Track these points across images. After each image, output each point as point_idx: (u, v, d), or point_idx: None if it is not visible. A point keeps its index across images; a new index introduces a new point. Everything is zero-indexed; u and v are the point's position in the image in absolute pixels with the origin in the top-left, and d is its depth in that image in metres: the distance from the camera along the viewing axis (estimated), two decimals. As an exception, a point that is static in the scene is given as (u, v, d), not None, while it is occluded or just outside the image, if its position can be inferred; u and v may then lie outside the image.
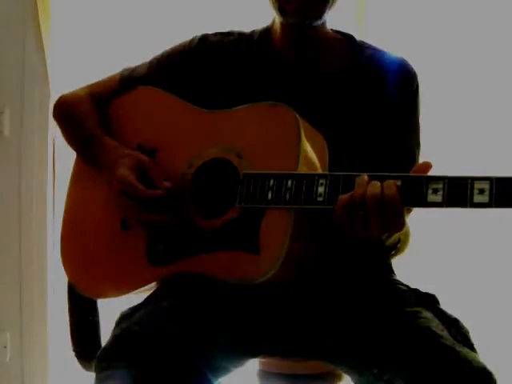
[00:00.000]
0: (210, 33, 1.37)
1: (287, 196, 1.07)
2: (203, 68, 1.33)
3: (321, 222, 1.14)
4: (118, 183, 1.20)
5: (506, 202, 0.93)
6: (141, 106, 1.37)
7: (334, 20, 1.32)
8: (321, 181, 1.06)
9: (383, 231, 1.02)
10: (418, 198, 0.98)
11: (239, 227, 1.11)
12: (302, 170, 1.09)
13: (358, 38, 1.37)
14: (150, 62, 1.39)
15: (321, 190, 1.05)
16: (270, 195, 1.09)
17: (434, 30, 2.20)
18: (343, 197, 1.01)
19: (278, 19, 1.28)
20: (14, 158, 2.28)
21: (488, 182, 0.94)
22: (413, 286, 1.23)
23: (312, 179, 1.06)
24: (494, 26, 2.17)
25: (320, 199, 1.05)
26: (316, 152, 1.14)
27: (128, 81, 1.39)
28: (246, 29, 1.38)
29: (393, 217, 0.99)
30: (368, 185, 1.00)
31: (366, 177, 1.01)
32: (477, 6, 2.19)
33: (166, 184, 1.19)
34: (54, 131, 2.22)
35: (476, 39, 2.18)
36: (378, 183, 1.00)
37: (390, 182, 0.99)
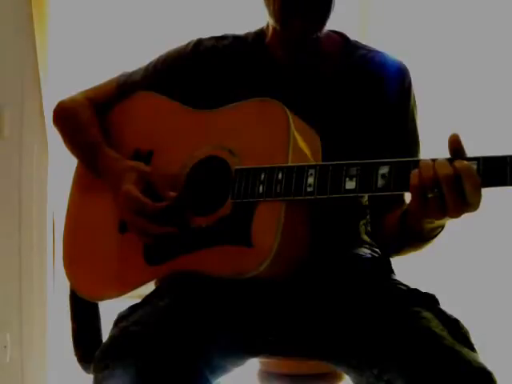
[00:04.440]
0: (204, 37, 1.37)
1: (278, 188, 1.09)
2: (198, 72, 1.34)
3: (320, 219, 1.15)
4: (124, 200, 1.20)
5: (493, 182, 0.94)
6: (138, 110, 1.38)
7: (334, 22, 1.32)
8: (310, 171, 1.07)
9: (461, 211, 0.98)
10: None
11: (232, 222, 1.12)
12: (293, 162, 1.10)
13: (358, 38, 1.37)
14: (146, 68, 1.40)
15: (310, 180, 1.07)
16: (261, 188, 1.10)
17: (436, 32, 2.21)
18: (413, 182, 0.98)
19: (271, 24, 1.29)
20: (14, 158, 2.28)
21: (475, 162, 0.95)
22: (413, 286, 1.23)
23: (301, 170, 1.08)
24: (496, 29, 2.18)
25: (310, 190, 1.06)
26: (309, 146, 1.14)
27: (125, 86, 1.40)
28: (243, 30, 1.39)
29: (472, 192, 0.95)
30: (436, 165, 0.97)
31: (429, 160, 0.99)
32: (479, 7, 2.19)
33: (172, 194, 1.19)
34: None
35: (476, 40, 2.19)
36: (446, 161, 0.97)
37: (460, 161, 0.96)
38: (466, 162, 0.95)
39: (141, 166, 1.25)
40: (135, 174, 1.22)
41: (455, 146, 0.98)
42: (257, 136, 1.16)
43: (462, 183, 0.95)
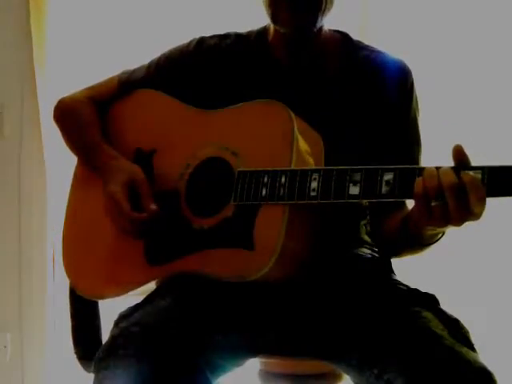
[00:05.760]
0: (206, 35, 1.37)
1: (281, 192, 1.08)
2: (201, 71, 1.34)
3: (321, 220, 1.15)
4: (108, 199, 1.21)
5: (497, 192, 0.94)
6: (139, 108, 1.38)
7: (335, 21, 1.32)
8: (314, 176, 1.07)
9: (464, 220, 0.97)
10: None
11: (234, 224, 1.12)
12: (296, 166, 1.09)
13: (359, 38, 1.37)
14: (148, 65, 1.40)
15: (314, 184, 1.06)
16: (264, 191, 1.10)
17: (437, 32, 2.20)
18: (416, 190, 0.98)
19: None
20: (13, 158, 2.28)
21: (480, 171, 0.94)
22: (413, 286, 1.23)
23: (305, 174, 1.07)
24: (499, 27, 2.18)
25: (313, 194, 1.06)
26: (311, 148, 1.14)
27: (126, 84, 1.40)
28: (244, 28, 1.39)
29: (476, 203, 0.94)
30: (440, 173, 0.96)
31: (433, 168, 0.98)
32: (480, 6, 2.19)
33: (153, 207, 1.19)
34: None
35: (479, 40, 2.19)
36: (451, 170, 0.96)
37: (465, 172, 0.95)
38: (471, 174, 0.95)
39: (134, 170, 1.25)
40: (125, 177, 1.22)
41: (459, 157, 0.97)
42: (260, 138, 1.16)
43: (466, 194, 0.94)
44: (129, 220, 1.18)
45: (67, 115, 1.42)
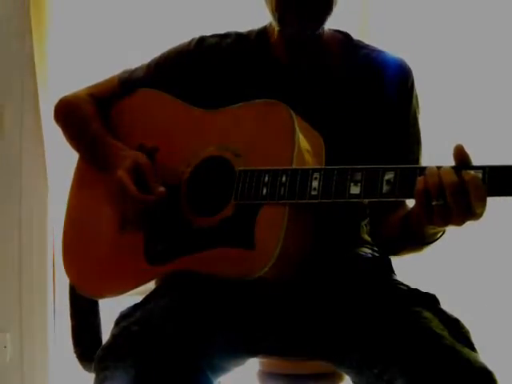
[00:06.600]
0: (207, 34, 1.37)
1: (282, 191, 1.08)
2: (201, 70, 1.34)
3: (321, 220, 1.15)
4: (115, 184, 1.21)
5: (498, 192, 0.94)
6: (141, 108, 1.38)
7: (336, 21, 1.32)
8: (315, 175, 1.07)
9: (464, 220, 0.98)
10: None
11: (235, 223, 1.12)
12: (297, 165, 1.09)
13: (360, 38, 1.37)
14: (149, 65, 1.40)
15: (315, 184, 1.06)
16: (264, 191, 1.10)
17: (438, 31, 2.20)
18: (417, 189, 0.98)
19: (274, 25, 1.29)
20: (14, 158, 2.28)
21: (481, 171, 0.94)
22: (413, 286, 1.23)
23: (306, 174, 1.07)
24: (501, 27, 2.18)
25: (314, 193, 1.06)
26: (312, 147, 1.14)
27: (127, 83, 1.40)
28: (245, 28, 1.39)
29: (477, 203, 0.94)
30: (441, 172, 0.96)
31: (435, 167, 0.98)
32: (481, 6, 2.19)
33: (160, 189, 1.19)
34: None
35: (480, 39, 2.19)
36: (452, 170, 0.96)
37: (466, 171, 0.95)
38: (472, 173, 0.95)
39: (139, 156, 1.24)
40: (130, 163, 1.22)
41: (460, 156, 0.97)
42: (261, 138, 1.16)
43: (467, 193, 0.94)
44: (136, 202, 1.18)
45: (69, 112, 1.41)
